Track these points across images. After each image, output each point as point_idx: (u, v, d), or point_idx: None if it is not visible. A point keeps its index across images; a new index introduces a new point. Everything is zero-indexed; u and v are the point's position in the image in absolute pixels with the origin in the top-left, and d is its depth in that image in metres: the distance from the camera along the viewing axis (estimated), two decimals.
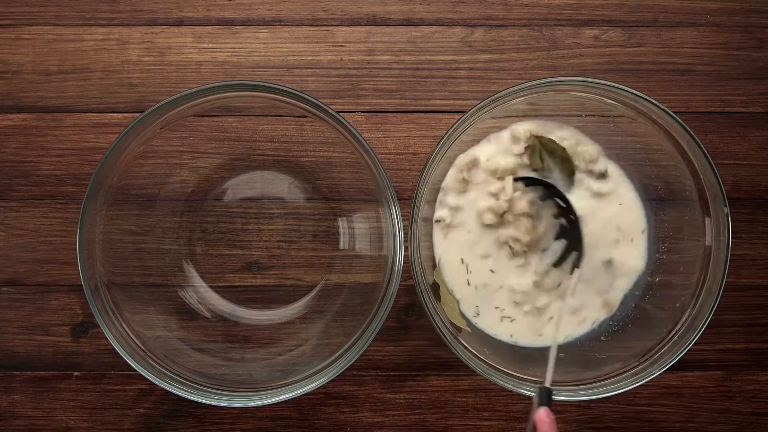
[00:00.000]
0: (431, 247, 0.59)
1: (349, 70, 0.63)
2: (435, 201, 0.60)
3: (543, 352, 0.59)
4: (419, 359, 0.62)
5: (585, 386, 0.54)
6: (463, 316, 0.59)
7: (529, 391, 0.53)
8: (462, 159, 0.59)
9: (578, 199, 0.59)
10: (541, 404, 0.48)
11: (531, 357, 0.59)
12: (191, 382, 0.55)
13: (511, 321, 0.59)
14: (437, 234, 0.59)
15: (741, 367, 0.62)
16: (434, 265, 0.59)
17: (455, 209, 0.59)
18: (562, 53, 0.63)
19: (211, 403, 0.53)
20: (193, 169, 0.61)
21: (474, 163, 0.59)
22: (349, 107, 0.63)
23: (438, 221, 0.59)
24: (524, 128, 0.59)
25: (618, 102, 0.56)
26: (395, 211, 0.54)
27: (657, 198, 0.59)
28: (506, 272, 0.59)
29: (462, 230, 0.59)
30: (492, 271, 0.59)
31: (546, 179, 0.58)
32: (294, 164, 0.62)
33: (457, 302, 0.59)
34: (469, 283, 0.59)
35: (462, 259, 0.59)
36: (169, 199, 0.61)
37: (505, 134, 0.59)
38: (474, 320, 0.59)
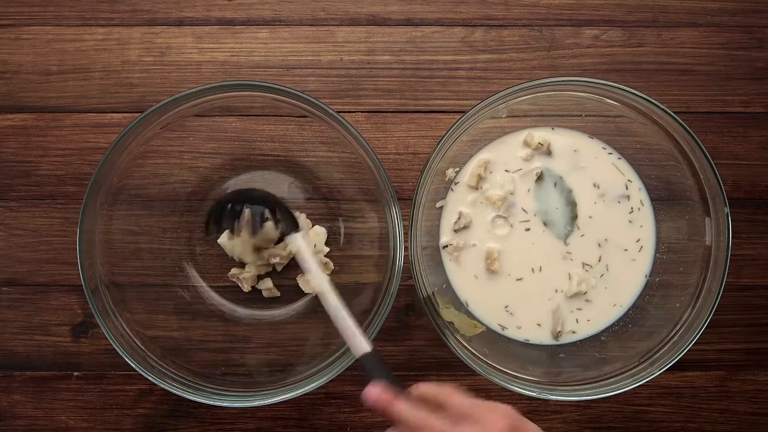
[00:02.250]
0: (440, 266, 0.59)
1: (349, 70, 0.63)
2: (435, 201, 0.60)
3: (544, 351, 0.59)
4: (419, 359, 0.62)
5: (585, 386, 0.54)
6: (473, 317, 0.59)
7: (530, 391, 0.53)
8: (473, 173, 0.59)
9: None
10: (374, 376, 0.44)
11: (531, 357, 0.59)
12: (191, 382, 0.55)
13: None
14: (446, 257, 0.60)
15: (741, 367, 0.62)
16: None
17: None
18: (562, 53, 0.63)
19: (211, 403, 0.53)
20: (193, 169, 0.61)
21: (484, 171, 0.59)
22: (349, 107, 0.63)
23: (445, 247, 0.60)
24: (539, 135, 0.59)
25: (618, 102, 0.56)
26: (395, 211, 0.53)
27: (657, 198, 0.59)
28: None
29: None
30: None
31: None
32: (294, 164, 0.61)
33: (467, 314, 0.59)
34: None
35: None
36: (169, 199, 0.61)
37: (519, 139, 0.60)
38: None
